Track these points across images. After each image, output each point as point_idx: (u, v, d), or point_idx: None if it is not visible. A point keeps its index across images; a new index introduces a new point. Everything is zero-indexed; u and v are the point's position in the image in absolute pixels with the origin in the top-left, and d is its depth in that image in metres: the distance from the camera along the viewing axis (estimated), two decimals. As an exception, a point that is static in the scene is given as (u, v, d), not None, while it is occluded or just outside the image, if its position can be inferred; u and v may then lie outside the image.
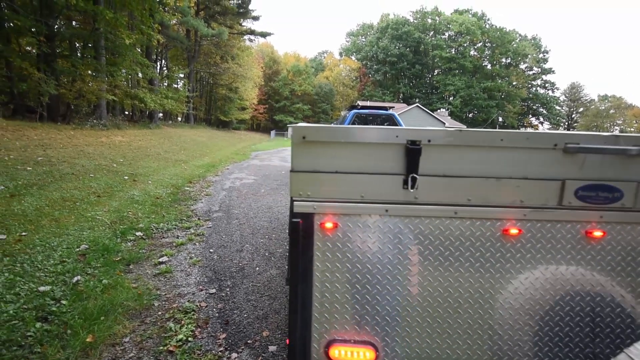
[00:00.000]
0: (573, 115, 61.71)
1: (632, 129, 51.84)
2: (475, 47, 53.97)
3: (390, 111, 7.46)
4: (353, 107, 7.65)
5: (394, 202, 1.16)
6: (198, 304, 2.90)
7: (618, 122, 55.88)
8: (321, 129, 1.16)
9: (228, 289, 3.20)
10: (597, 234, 1.16)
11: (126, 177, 7.64)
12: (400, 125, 7.36)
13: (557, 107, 58.08)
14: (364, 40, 63.29)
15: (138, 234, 4.50)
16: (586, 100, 60.51)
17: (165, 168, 9.93)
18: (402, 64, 55.21)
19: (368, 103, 42.96)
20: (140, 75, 18.62)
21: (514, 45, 51.54)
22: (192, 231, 4.83)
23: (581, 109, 60.63)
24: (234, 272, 3.59)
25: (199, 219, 5.49)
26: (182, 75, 29.43)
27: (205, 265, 3.72)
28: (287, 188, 8.47)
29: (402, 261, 1.18)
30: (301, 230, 1.16)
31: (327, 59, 66.81)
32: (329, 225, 1.16)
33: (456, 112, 50.56)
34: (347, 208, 1.17)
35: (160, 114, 24.55)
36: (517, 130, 1.12)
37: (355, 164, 1.16)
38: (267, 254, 4.11)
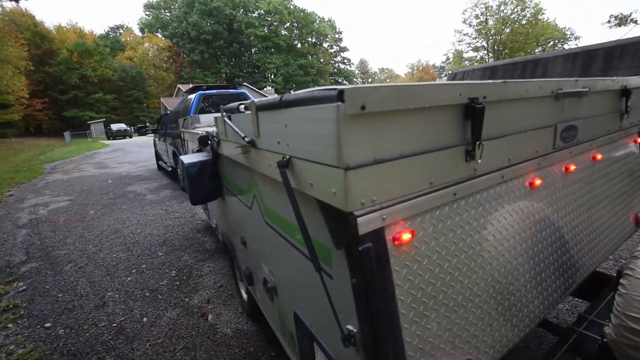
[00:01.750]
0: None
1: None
2: (285, 26, 57.61)
3: (240, 89, 6.86)
4: (196, 88, 6.53)
5: (458, 181, 0.90)
6: (69, 421, 1.78)
7: (391, 88, 74.86)
8: (388, 90, 0.72)
9: (113, 370, 2.13)
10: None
11: None
12: (254, 104, 6.92)
13: (355, 79, 71.50)
14: (168, 14, 55.49)
15: None
16: (372, 72, 77.45)
17: None
18: (219, 42, 52.49)
19: (190, 85, 38.91)
20: None
21: (316, 26, 58.44)
22: (-9, 308, 2.96)
23: (369, 80, 77.17)
24: (108, 340, 2.43)
25: (-7, 284, 3.44)
26: None
27: (50, 352, 2.34)
28: (127, 199, 6.61)
29: (483, 249, 0.97)
30: (374, 257, 0.72)
31: (125, 36, 54.99)
32: (406, 236, 0.78)
33: (280, 89, 53.56)
34: (420, 204, 0.82)
35: None
36: (537, 80, 1.05)
37: (421, 140, 0.81)
38: (147, 294, 3.03)
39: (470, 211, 0.96)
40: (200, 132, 2.28)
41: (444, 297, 0.89)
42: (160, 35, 53.48)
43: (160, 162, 9.71)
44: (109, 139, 31.78)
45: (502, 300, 1.06)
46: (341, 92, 0.68)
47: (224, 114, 1.59)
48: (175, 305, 2.81)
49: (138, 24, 56.41)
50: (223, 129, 1.69)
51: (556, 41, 51.07)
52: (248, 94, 6.90)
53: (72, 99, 40.63)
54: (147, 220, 5.22)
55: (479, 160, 0.93)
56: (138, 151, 17.58)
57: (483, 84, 0.90)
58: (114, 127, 32.55)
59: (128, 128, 33.42)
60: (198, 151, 2.83)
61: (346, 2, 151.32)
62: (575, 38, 51.46)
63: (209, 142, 2.09)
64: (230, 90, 6.63)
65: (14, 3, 23.18)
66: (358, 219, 0.70)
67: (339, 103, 0.67)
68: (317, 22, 59.71)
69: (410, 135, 0.79)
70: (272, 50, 55.37)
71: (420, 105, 0.77)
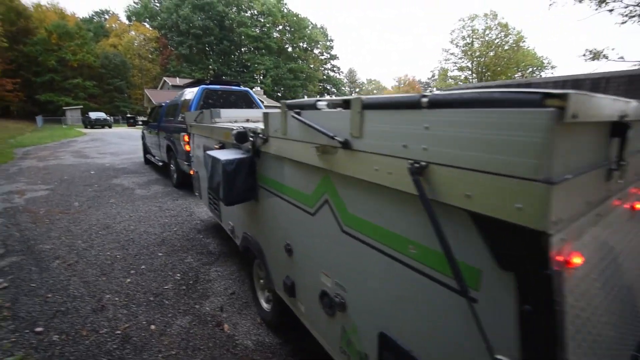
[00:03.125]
0: (353, 94, 78.93)
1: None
2: (277, 29, 57.55)
3: (243, 87, 6.67)
4: (199, 81, 6.27)
5: (600, 202, 0.84)
6: None
7: (378, 99, 76.23)
8: (599, 100, 0.68)
9: (124, 386, 1.90)
10: None
11: None
12: (258, 103, 6.75)
13: (343, 88, 72.30)
14: (158, 4, 53.99)
15: None
16: (360, 82, 78.66)
17: None
18: (209, 38, 51.59)
19: (178, 80, 37.84)
20: None
21: (308, 31, 58.80)
22: (-33, 307, 2.61)
23: (357, 89, 78.29)
24: (113, 350, 2.18)
25: (-34, 279, 3.06)
26: None
27: (43, 363, 2.07)
28: (115, 193, 6.21)
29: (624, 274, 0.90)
30: (555, 283, 0.64)
31: (110, 22, 52.94)
32: (577, 260, 0.70)
33: (269, 90, 53.22)
34: (583, 226, 0.76)
35: None
36: None
37: (589, 156, 0.77)
38: (151, 298, 2.79)
39: (604, 236, 0.90)
40: (236, 127, 2.13)
41: (596, 334, 0.82)
42: (147, 25, 51.91)
43: (148, 156, 9.26)
44: (86, 127, 30.24)
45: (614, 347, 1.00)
46: (546, 96, 0.60)
47: (287, 109, 1.47)
48: (185, 312, 2.59)
49: (125, 12, 54.49)
50: (281, 125, 1.56)
51: (534, 68, 54.12)
52: (252, 92, 6.74)
53: (47, 82, 38.43)
54: (140, 216, 4.89)
55: (621, 181, 0.89)
56: (119, 142, 16.76)
57: (626, 103, 0.86)
58: (93, 115, 31.03)
59: (108, 117, 31.96)
60: (220, 147, 2.66)
61: (338, 12, 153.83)
62: (552, 67, 54.83)
63: (251, 138, 1.94)
64: (234, 87, 6.44)
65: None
66: (550, 239, 0.62)
67: (552, 108, 0.59)
68: (310, 27, 60.11)
69: (586, 150, 0.74)
70: (263, 51, 55.09)
71: (601, 119, 0.73)
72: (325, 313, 1.46)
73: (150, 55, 50.26)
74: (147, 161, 9.68)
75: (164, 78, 39.92)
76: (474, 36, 54.50)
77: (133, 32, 50.04)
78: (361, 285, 1.21)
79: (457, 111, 0.75)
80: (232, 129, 2.16)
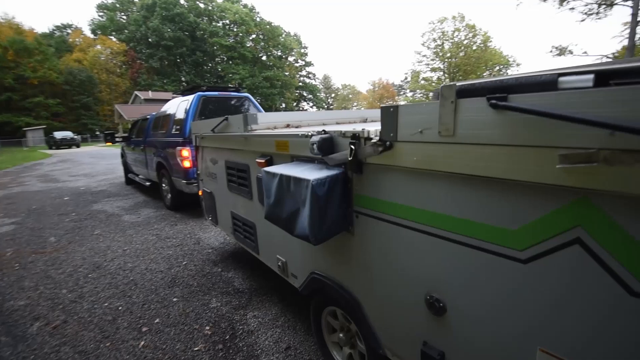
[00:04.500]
0: (329, 100, 78.92)
1: (362, 107, 72.55)
2: (251, 38, 56.65)
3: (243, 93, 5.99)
4: (193, 88, 5.51)
5: None
6: None
7: (355, 104, 76.65)
8: None
9: None
10: None
11: None
12: (258, 107, 6.09)
13: (319, 94, 72.23)
14: (125, 17, 51.81)
15: None
16: (335, 88, 78.84)
17: None
18: (181, 49, 49.96)
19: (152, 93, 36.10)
20: None
21: (282, 39, 58.30)
22: None
23: (333, 95, 78.52)
24: None
25: None
26: None
27: None
28: (98, 221, 5.30)
29: None
30: None
31: (73, 37, 50.10)
32: None
33: (246, 100, 52.11)
34: None
35: None
36: None
37: None
38: (180, 370, 2.05)
39: None
40: (313, 133, 1.50)
41: None
42: (114, 39, 49.61)
43: (131, 175, 8.28)
44: (51, 148, 28.07)
45: None
46: None
47: (459, 97, 0.88)
48: (234, 390, 1.88)
49: (89, 25, 51.87)
50: (441, 123, 0.96)
51: (501, 67, 56.40)
52: (252, 97, 6.08)
53: (4, 102, 35.57)
54: (136, 249, 4.07)
55: None
56: (92, 162, 15.40)
57: None
58: (58, 135, 28.86)
59: (75, 136, 29.87)
60: (267, 161, 2.02)
61: (310, 19, 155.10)
62: (517, 65, 57.38)
63: (352, 146, 1.30)
64: (232, 93, 5.74)
65: None
66: None
67: None
68: (283, 35, 59.82)
69: None
70: (238, 60, 54.06)
71: None
72: None
73: (118, 70, 47.94)
74: (130, 181, 8.69)
75: (136, 92, 38.06)
76: (444, 38, 56.10)
77: (99, 46, 47.62)
78: None
79: None
80: (308, 135, 1.52)
